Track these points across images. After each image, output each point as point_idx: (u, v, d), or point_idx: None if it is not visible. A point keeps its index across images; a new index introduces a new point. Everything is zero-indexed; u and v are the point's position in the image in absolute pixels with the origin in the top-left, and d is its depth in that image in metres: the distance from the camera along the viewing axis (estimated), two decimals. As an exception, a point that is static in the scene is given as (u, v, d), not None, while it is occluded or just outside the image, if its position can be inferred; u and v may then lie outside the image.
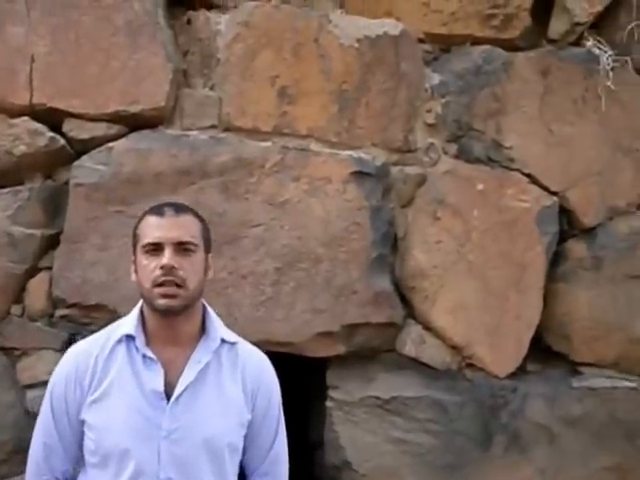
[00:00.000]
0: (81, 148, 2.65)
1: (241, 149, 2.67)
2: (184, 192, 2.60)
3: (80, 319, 2.60)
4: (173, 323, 1.65)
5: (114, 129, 2.65)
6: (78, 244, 2.58)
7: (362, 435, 2.64)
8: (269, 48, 2.71)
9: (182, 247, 1.62)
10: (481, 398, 2.70)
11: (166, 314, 1.63)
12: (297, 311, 2.63)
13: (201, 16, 2.78)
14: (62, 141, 2.64)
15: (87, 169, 2.60)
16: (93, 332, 1.83)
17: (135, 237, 1.68)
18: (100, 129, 2.64)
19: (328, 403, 2.67)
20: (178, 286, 1.60)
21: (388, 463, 2.63)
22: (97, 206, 2.58)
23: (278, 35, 2.71)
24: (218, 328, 1.72)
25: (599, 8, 2.99)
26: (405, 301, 2.75)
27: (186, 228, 1.64)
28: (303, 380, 2.87)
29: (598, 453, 2.76)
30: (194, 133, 2.69)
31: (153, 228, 1.63)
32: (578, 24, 2.98)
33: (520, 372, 2.80)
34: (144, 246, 1.63)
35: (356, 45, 2.73)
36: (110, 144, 2.62)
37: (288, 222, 2.65)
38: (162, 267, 1.59)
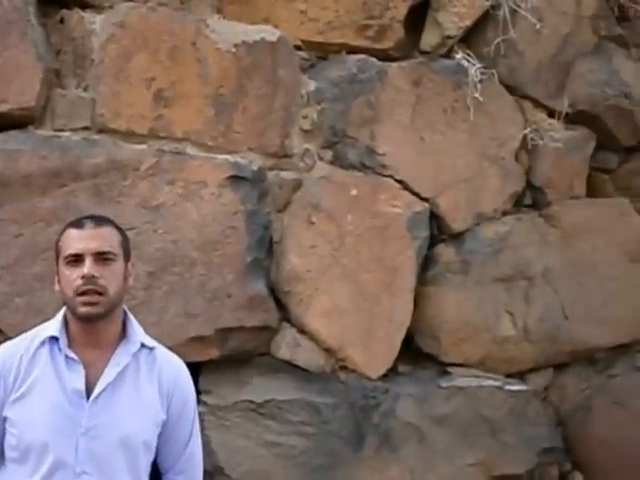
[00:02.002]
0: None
1: (115, 151, 2.62)
2: (54, 195, 2.54)
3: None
4: (94, 328, 1.74)
5: (-20, 129, 2.55)
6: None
7: (235, 439, 2.64)
8: (145, 50, 2.67)
9: (102, 257, 1.71)
10: (354, 399, 2.76)
11: (88, 320, 1.71)
12: (170, 315, 2.61)
13: (75, 15, 2.71)
14: None
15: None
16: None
17: (57, 249, 1.76)
18: (-34, 129, 2.54)
19: (200, 408, 2.63)
20: (99, 294, 1.69)
21: (261, 467, 2.64)
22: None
23: (154, 37, 2.68)
24: (138, 333, 1.81)
25: (468, 23, 3.11)
26: (280, 305, 2.77)
27: (105, 239, 1.73)
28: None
29: (464, 450, 2.87)
30: (66, 134, 2.62)
31: (74, 240, 1.72)
32: (449, 37, 3.10)
33: (391, 373, 2.88)
34: (66, 257, 1.71)
35: (233, 50, 2.73)
36: (-24, 144, 2.52)
37: (162, 226, 2.62)
38: (83, 277, 1.68)
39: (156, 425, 1.78)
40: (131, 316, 1.82)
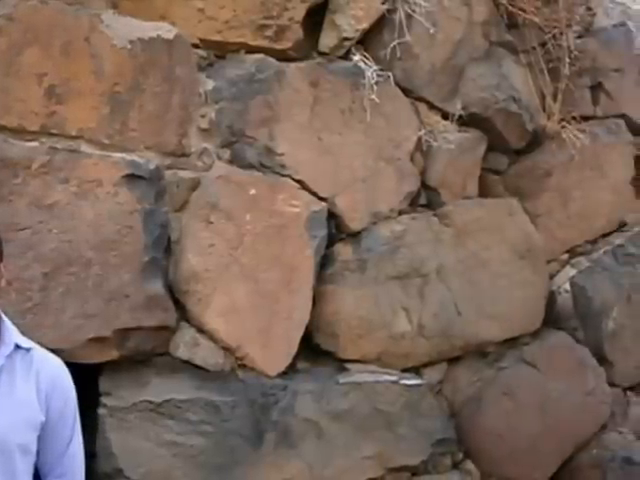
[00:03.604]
0: None
1: (5, 149, 2.54)
2: (-62, 193, 2.44)
3: None
4: None
5: None
6: None
7: (135, 441, 2.61)
8: (36, 44, 2.60)
9: None
10: (253, 397, 2.78)
11: None
12: (67, 317, 2.56)
13: (-39, 6, 2.61)
14: None
15: None
16: None
17: None
18: None
19: (100, 410, 2.62)
20: None
21: (161, 467, 2.63)
22: None
23: (46, 31, 2.61)
24: (12, 334, 1.79)
25: (365, 25, 3.19)
26: (178, 304, 2.76)
27: None
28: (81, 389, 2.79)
29: (361, 443, 2.94)
30: (-46, 130, 2.53)
31: None
32: (346, 39, 3.16)
33: (290, 371, 2.91)
34: None
35: (129, 47, 2.70)
36: None
37: (57, 225, 2.57)
38: None
39: (34, 427, 1.75)
40: (4, 317, 1.79)
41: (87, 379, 2.68)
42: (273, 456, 2.78)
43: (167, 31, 2.79)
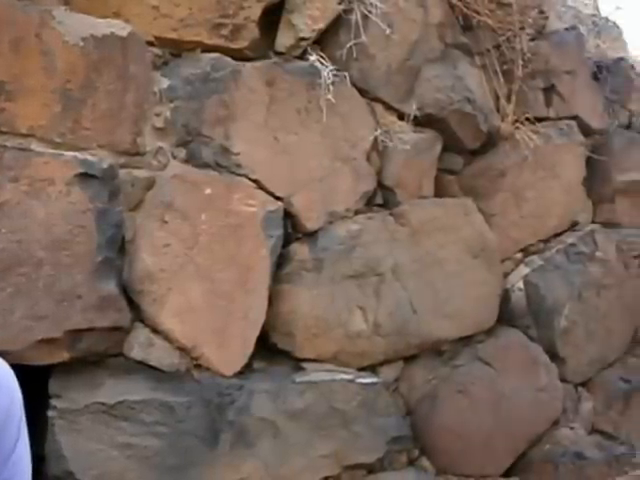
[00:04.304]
0: None
1: (-47, 146, 2.48)
2: None
3: None
4: None
5: None
6: None
7: (86, 443, 2.56)
8: (-16, 40, 2.54)
9: None
10: (208, 397, 2.75)
11: None
12: (16, 318, 2.49)
13: None
14: None
15: None
16: None
17: None
18: None
19: (50, 412, 2.56)
20: None
21: (114, 469, 2.58)
22: None
23: (-5, 27, 2.55)
24: None
25: (321, 26, 3.18)
26: (133, 304, 2.72)
27: None
28: (30, 392, 2.73)
29: (318, 442, 2.93)
30: None
31: None
32: (302, 39, 3.15)
33: (247, 370, 2.89)
34: None
35: (81, 44, 2.64)
36: None
37: (6, 225, 2.50)
38: None
39: None
40: None
41: (38, 381, 2.64)
42: (229, 456, 2.76)
43: (121, 28, 2.74)
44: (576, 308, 3.93)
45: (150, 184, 2.76)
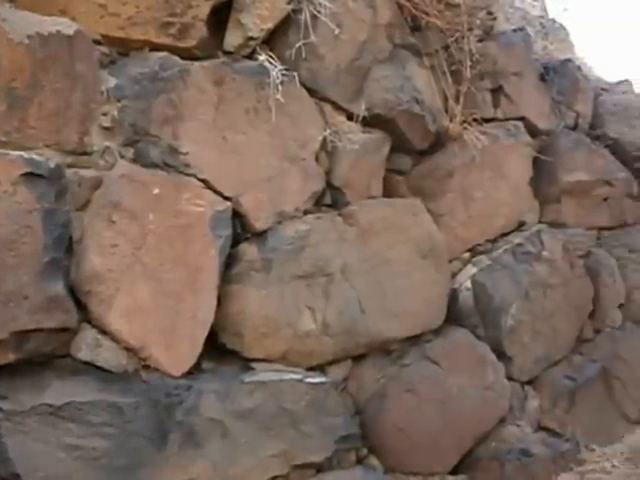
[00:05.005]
0: None
1: None
2: None
3: None
4: None
5: None
6: None
7: (33, 445, 2.62)
8: None
9: None
10: (157, 398, 2.83)
11: None
12: (-40, 319, 2.56)
13: None
14: None
15: None
16: None
17: None
18: None
19: (-4, 415, 2.62)
20: None
21: (61, 471, 2.65)
22: None
23: (-62, 24, 2.60)
24: None
25: (270, 25, 3.30)
26: (80, 305, 2.79)
27: None
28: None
29: (266, 442, 3.04)
30: None
31: None
32: (251, 39, 3.26)
33: (195, 371, 2.98)
34: None
35: (27, 42, 2.70)
36: None
37: (-51, 225, 2.56)
38: None
39: None
40: None
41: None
42: (177, 457, 2.84)
43: (67, 27, 2.80)
44: (523, 307, 4.12)
45: (97, 184, 2.84)
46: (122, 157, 2.91)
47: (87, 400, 2.72)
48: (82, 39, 2.83)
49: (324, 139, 3.45)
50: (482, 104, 4.21)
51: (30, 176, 2.66)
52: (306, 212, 3.38)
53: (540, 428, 4.14)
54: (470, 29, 4.11)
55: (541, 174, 4.45)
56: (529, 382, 4.18)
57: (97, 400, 2.74)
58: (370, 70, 3.66)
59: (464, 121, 4.02)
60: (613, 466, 3.99)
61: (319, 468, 3.22)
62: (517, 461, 3.74)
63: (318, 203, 3.46)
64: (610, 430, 4.34)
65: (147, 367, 2.88)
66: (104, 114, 2.88)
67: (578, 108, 4.84)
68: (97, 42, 2.91)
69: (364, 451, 3.49)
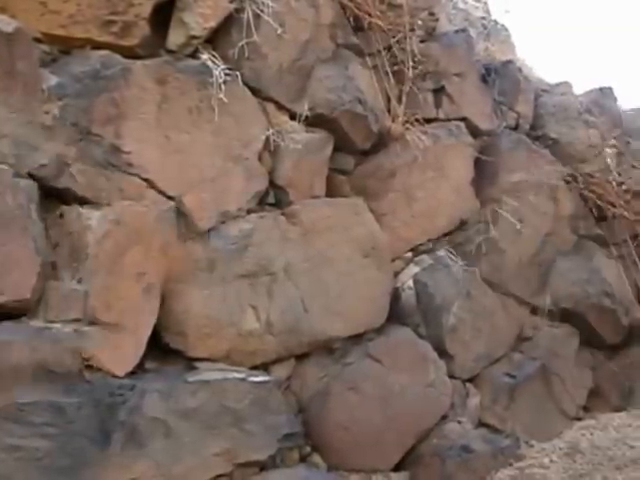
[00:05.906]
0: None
1: None
2: None
3: None
4: None
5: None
6: None
7: (-27, 446, 2.70)
8: None
9: None
10: (99, 398, 2.91)
11: None
12: None
13: None
14: None
15: None
16: None
17: None
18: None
19: (-64, 416, 2.68)
20: None
21: (2, 472, 2.69)
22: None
23: None
24: None
25: (213, 24, 3.41)
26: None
27: None
28: None
29: (210, 441, 3.15)
30: None
31: None
32: (194, 37, 3.37)
33: (139, 370, 3.08)
34: None
35: (-34, 39, 2.78)
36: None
37: None
38: None
39: None
40: None
41: None
42: (120, 456, 2.93)
43: (6, 24, 2.87)
44: (464, 306, 4.31)
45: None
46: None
47: (29, 401, 2.78)
48: (22, 37, 2.90)
49: (267, 139, 3.58)
50: (424, 104, 4.38)
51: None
52: (249, 211, 3.50)
53: (481, 424, 4.32)
54: (412, 30, 4.29)
55: (483, 174, 4.64)
56: (470, 379, 4.37)
57: (39, 401, 2.80)
58: (313, 70, 3.80)
59: (406, 121, 4.19)
60: (551, 461, 4.19)
61: (262, 466, 3.35)
62: (458, 457, 3.91)
63: (261, 202, 3.59)
64: (549, 426, 4.55)
65: (90, 367, 2.95)
66: (45, 113, 2.94)
67: (519, 109, 5.04)
68: (38, 40, 2.99)
69: (307, 449, 3.63)
